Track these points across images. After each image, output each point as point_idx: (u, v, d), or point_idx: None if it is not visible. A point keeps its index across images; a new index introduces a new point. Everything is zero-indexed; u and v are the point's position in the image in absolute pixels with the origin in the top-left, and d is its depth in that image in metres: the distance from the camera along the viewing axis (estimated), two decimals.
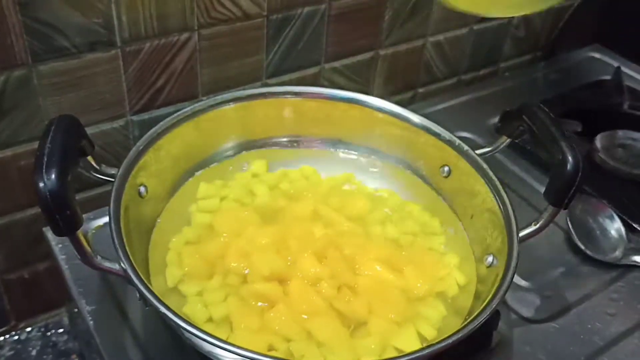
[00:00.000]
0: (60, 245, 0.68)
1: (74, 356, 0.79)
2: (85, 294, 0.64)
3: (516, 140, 0.68)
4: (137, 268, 0.51)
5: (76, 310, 0.65)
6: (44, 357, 0.79)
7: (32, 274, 0.79)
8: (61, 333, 0.82)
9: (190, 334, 0.46)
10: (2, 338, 0.80)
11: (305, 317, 0.57)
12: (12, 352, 0.79)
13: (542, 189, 0.60)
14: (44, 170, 0.45)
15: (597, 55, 1.16)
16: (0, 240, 0.74)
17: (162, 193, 0.65)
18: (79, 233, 0.48)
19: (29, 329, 0.82)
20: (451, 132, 0.69)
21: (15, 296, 0.79)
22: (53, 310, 0.83)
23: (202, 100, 0.69)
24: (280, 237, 0.63)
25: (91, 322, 0.61)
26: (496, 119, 0.95)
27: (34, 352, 0.79)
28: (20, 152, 0.69)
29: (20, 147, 0.69)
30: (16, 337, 0.81)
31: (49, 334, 0.82)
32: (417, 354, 0.49)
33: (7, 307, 0.80)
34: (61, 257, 0.67)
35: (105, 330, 0.61)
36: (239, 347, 0.46)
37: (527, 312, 0.68)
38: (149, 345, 0.60)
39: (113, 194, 0.55)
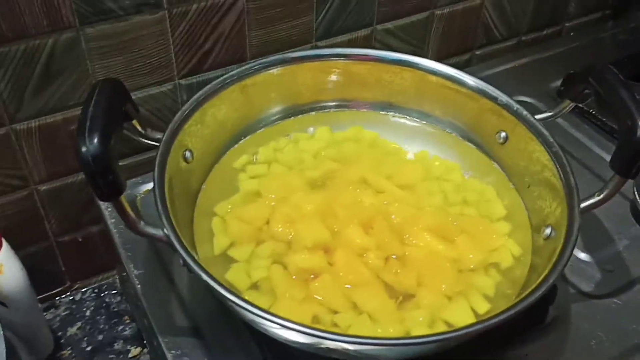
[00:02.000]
0: (109, 209, 0.68)
1: (125, 318, 0.80)
2: (133, 258, 0.64)
3: (580, 105, 0.64)
4: (180, 234, 0.50)
5: (125, 274, 0.65)
6: (98, 317, 0.80)
7: (86, 237, 0.81)
8: (114, 294, 0.83)
9: (232, 303, 0.46)
10: (57, 298, 0.82)
11: (350, 287, 0.55)
12: (67, 312, 0.81)
13: (608, 157, 0.56)
14: (86, 135, 0.45)
15: None
16: (53, 204, 0.75)
17: (207, 158, 0.64)
18: (122, 198, 0.47)
19: (83, 290, 0.84)
20: (509, 95, 0.66)
21: (70, 258, 0.81)
22: (107, 272, 0.85)
23: (249, 63, 0.68)
24: (327, 204, 0.61)
25: (139, 287, 0.62)
26: (559, 83, 0.90)
27: (88, 313, 0.81)
28: (70, 116, 0.69)
29: (70, 112, 0.69)
30: (71, 298, 0.83)
31: (102, 295, 0.83)
32: (468, 330, 0.47)
33: (61, 269, 0.81)
34: (110, 221, 0.67)
35: (152, 294, 0.61)
36: (279, 317, 0.45)
37: (586, 287, 0.65)
38: (195, 311, 0.60)
39: (158, 159, 0.55)
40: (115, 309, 0.82)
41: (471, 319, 0.55)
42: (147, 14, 0.67)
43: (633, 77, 0.88)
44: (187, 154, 0.60)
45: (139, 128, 0.57)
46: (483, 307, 0.56)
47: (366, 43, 0.85)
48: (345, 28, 0.82)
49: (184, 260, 0.48)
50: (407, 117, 0.72)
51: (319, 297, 0.54)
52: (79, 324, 0.79)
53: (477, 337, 0.49)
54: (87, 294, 0.83)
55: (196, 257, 0.51)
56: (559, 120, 0.83)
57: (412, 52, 0.71)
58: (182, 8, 0.69)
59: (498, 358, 0.58)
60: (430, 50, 0.92)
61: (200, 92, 0.62)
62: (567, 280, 0.65)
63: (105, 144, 0.45)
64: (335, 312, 0.54)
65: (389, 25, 0.85)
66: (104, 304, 0.82)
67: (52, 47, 0.64)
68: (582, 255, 0.68)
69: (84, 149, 0.44)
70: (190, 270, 0.49)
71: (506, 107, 0.65)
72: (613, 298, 0.64)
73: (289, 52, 0.68)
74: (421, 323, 0.53)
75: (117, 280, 0.84)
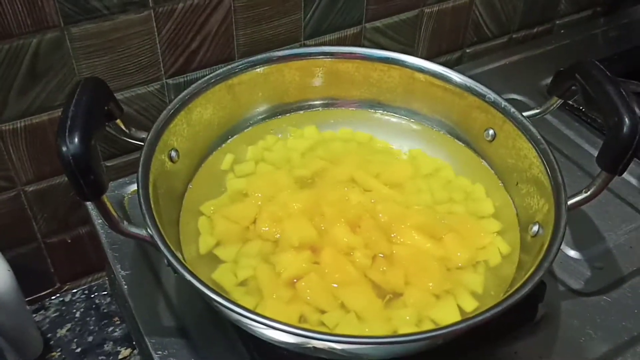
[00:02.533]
0: (96, 210, 0.68)
1: (115, 319, 0.80)
2: (120, 259, 0.64)
3: (569, 102, 0.63)
4: (165, 234, 0.50)
5: (112, 275, 0.65)
6: (87, 319, 0.80)
7: (74, 238, 0.80)
8: (104, 296, 0.83)
9: (216, 303, 0.45)
10: (47, 300, 0.82)
11: (337, 286, 0.55)
12: (56, 314, 0.80)
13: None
14: (67, 134, 0.45)
15: None
16: (40, 205, 0.75)
17: (194, 158, 0.64)
18: (105, 198, 0.47)
19: (73, 291, 0.83)
20: (499, 93, 0.65)
21: (59, 259, 0.81)
22: (96, 273, 0.84)
23: (235, 62, 0.67)
24: (314, 202, 0.61)
25: (125, 287, 0.61)
26: (550, 80, 0.90)
27: (77, 314, 0.81)
28: (56, 116, 0.69)
29: (56, 112, 0.69)
30: (61, 299, 0.82)
31: (92, 296, 0.83)
32: (454, 328, 0.47)
33: (51, 270, 0.81)
34: (97, 222, 0.67)
35: (139, 295, 0.61)
36: (265, 317, 0.44)
37: (575, 284, 0.65)
38: (182, 311, 0.60)
39: (142, 158, 0.54)
40: (105, 310, 0.81)
41: (458, 318, 0.54)
42: (132, 13, 0.67)
43: (624, 74, 0.88)
44: (173, 153, 0.60)
45: (123, 127, 0.56)
46: (471, 305, 0.56)
47: (355, 42, 0.84)
48: (334, 26, 0.81)
49: (168, 261, 0.48)
50: (396, 115, 0.71)
51: (305, 297, 0.54)
52: (68, 325, 0.79)
53: (466, 334, 0.49)
54: (77, 295, 0.83)
55: (181, 257, 0.50)
56: (549, 117, 0.84)
57: (402, 51, 0.71)
58: (168, 7, 0.68)
59: (488, 355, 0.58)
60: (421, 49, 0.92)
61: (185, 92, 0.61)
62: (556, 278, 0.65)
63: (86, 143, 0.45)
64: (323, 312, 0.54)
65: (378, 23, 0.85)
66: (94, 305, 0.82)
67: (37, 47, 0.64)
68: (572, 253, 0.68)
69: (64, 148, 0.44)
70: (174, 270, 0.48)
71: (494, 104, 0.64)
72: (602, 295, 0.64)
73: (275, 51, 0.68)
74: (408, 322, 0.53)
75: (107, 281, 0.84)
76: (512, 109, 0.63)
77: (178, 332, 0.58)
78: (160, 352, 0.56)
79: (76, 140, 0.44)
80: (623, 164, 0.53)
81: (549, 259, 0.50)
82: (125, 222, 0.49)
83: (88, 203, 0.68)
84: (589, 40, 1.03)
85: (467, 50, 0.97)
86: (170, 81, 0.74)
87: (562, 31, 1.06)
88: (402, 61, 0.68)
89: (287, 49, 0.75)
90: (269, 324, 0.45)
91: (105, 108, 0.52)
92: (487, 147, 0.66)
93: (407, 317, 0.53)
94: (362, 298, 0.54)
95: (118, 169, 0.77)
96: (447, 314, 0.54)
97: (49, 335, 0.78)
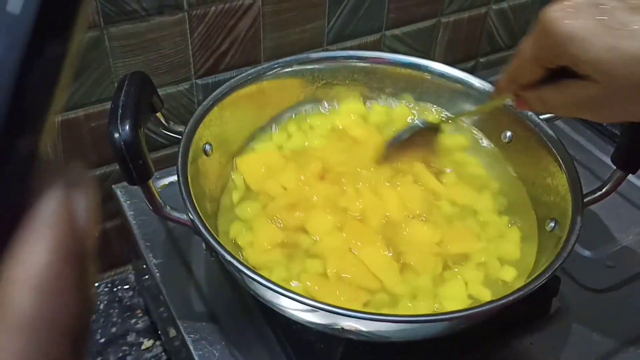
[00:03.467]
0: (128, 202, 0.71)
1: (138, 311, 0.82)
2: (152, 248, 0.66)
3: None
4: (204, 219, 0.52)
5: (144, 266, 0.67)
6: (110, 311, 0.82)
7: (100, 232, 0.82)
8: (127, 289, 0.85)
9: (253, 281, 0.48)
10: None
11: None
12: None
13: (609, 160, 0.59)
14: (119, 122, 0.47)
15: None
16: None
17: (226, 155, 0.66)
18: (150, 183, 0.50)
19: (96, 284, 0.86)
20: None
21: None
22: (120, 267, 0.87)
23: (268, 63, 0.70)
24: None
25: (158, 275, 0.64)
26: None
27: (101, 306, 0.83)
28: (91, 112, 0.72)
29: (91, 108, 0.72)
30: None
31: (115, 289, 0.85)
32: (475, 310, 0.49)
33: None
34: (130, 213, 0.70)
35: (171, 282, 0.63)
36: (298, 294, 0.47)
37: (588, 281, 0.67)
38: (212, 298, 0.62)
39: (181, 149, 0.57)
40: (127, 303, 0.83)
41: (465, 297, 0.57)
42: (167, 15, 0.70)
43: None
44: (207, 147, 0.62)
45: (163, 121, 0.59)
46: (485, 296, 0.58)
47: (375, 48, 0.88)
48: (355, 33, 0.85)
49: (207, 243, 0.50)
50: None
51: (350, 281, 0.56)
52: (92, 316, 0.81)
53: (486, 320, 0.52)
54: (101, 288, 0.85)
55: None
56: (560, 124, 0.87)
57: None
58: (201, 10, 0.72)
59: (506, 345, 0.60)
60: (437, 57, 0.95)
61: (221, 88, 0.64)
62: (569, 274, 0.68)
63: (136, 130, 0.48)
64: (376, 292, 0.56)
65: (397, 31, 0.88)
66: (117, 298, 0.84)
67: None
68: (584, 252, 0.70)
69: (116, 135, 0.47)
70: (212, 253, 0.51)
71: (511, 107, 0.67)
72: (614, 292, 0.67)
73: (306, 54, 0.71)
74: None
75: (129, 275, 0.86)
76: (529, 112, 0.66)
77: (209, 318, 0.60)
78: (192, 336, 0.58)
79: (127, 127, 0.47)
80: (638, 162, 0.56)
81: (567, 250, 0.53)
82: (168, 207, 0.52)
83: (120, 195, 0.71)
84: None
85: (481, 60, 1.01)
86: (199, 81, 0.77)
87: None
88: (426, 67, 0.71)
89: (313, 52, 0.79)
90: (314, 305, 0.47)
91: (149, 101, 0.55)
92: (505, 148, 0.69)
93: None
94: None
95: None
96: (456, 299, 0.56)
97: None
